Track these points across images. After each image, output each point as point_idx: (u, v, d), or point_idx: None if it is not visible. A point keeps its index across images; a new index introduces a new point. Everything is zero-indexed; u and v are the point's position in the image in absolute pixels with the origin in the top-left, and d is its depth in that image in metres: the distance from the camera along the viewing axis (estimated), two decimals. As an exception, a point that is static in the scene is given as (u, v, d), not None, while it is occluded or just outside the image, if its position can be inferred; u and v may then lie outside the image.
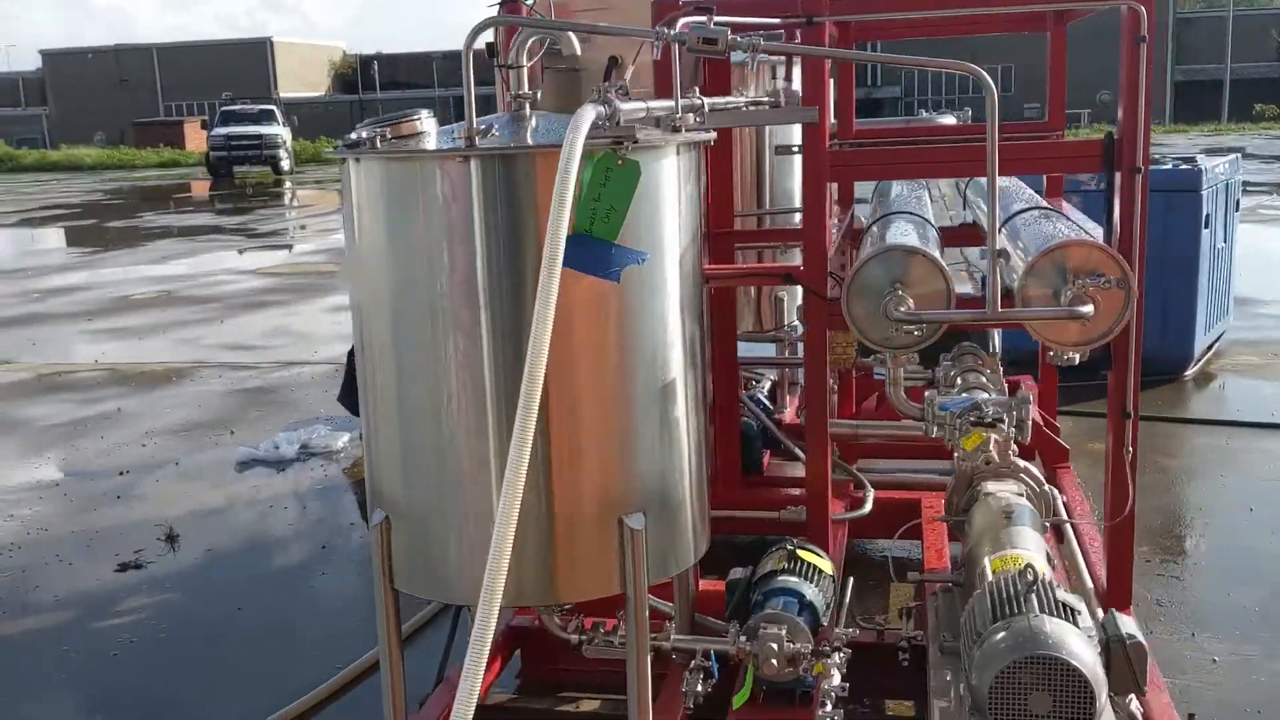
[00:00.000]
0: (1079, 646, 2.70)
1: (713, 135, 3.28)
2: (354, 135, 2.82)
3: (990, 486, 3.78)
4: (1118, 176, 3.52)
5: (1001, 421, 3.01)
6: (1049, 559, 3.47)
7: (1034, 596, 2.84)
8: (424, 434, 2.88)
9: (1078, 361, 3.33)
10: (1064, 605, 2.86)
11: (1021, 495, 3.72)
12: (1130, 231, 3.50)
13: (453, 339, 2.81)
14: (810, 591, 3.42)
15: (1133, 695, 2.85)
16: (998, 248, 3.01)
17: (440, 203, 2.74)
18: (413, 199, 2.77)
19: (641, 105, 2.79)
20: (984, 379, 3.63)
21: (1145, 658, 2.82)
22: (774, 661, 3.15)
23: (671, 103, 2.97)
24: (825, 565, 3.58)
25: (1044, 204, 3.98)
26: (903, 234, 3.37)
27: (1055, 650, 2.69)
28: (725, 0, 3.98)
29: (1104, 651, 2.79)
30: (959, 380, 3.50)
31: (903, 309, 2.94)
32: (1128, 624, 2.90)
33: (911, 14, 4.29)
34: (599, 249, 2.75)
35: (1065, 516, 3.84)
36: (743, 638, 3.23)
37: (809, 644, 3.22)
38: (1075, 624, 2.78)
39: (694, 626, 3.53)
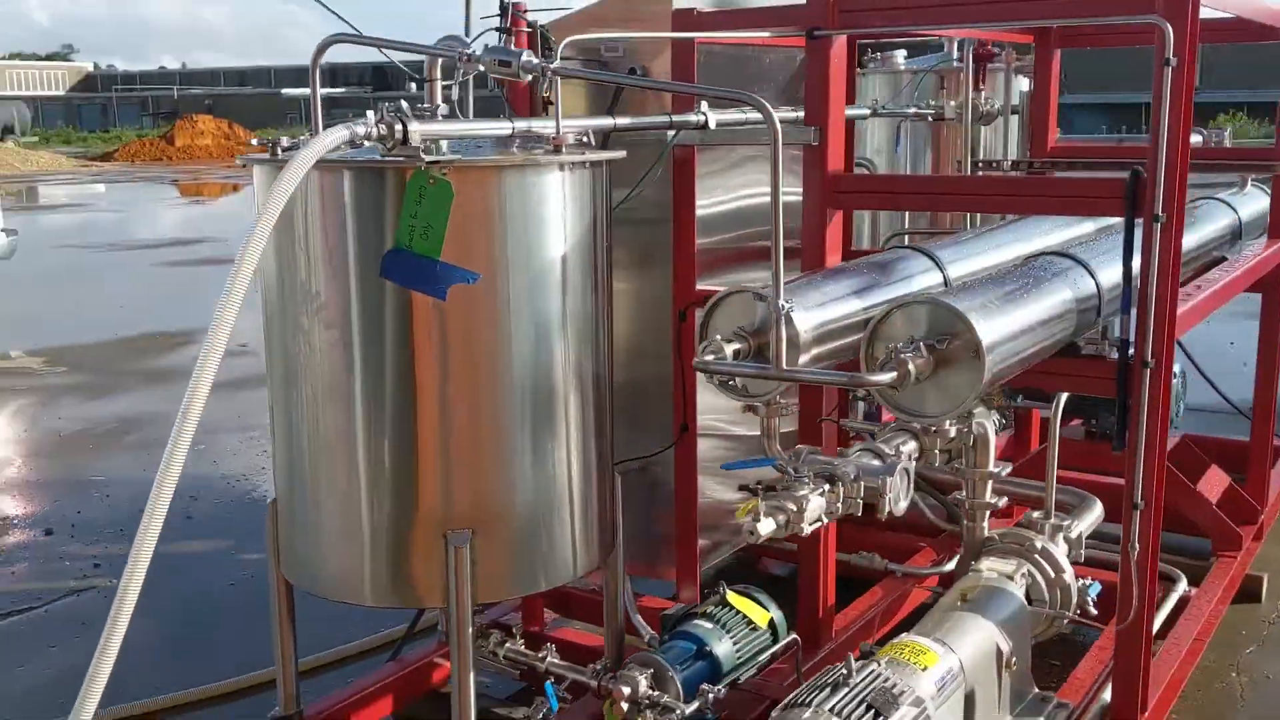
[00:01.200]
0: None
1: (608, 155, 3.10)
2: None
3: (983, 563, 3.37)
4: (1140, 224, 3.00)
5: (817, 490, 2.56)
6: (1006, 657, 3.06)
7: (835, 691, 2.54)
8: (296, 429, 3.01)
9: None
10: (883, 705, 2.55)
11: (1016, 577, 3.29)
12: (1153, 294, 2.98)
13: (309, 343, 2.92)
14: (719, 642, 3.22)
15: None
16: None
17: (294, 210, 2.85)
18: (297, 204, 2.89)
19: (449, 126, 2.74)
20: (897, 442, 3.07)
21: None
22: (623, 705, 3.01)
23: (549, 123, 2.89)
24: (760, 616, 3.35)
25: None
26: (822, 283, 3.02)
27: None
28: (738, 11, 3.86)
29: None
30: (889, 438, 3.08)
31: (709, 356, 2.68)
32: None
33: (921, 27, 3.79)
34: (421, 264, 2.75)
35: (1084, 612, 3.33)
36: (607, 675, 3.12)
37: (677, 697, 3.05)
38: None
39: (621, 653, 3.44)
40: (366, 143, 2.52)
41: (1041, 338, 2.83)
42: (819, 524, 2.61)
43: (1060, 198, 3.22)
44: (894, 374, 2.46)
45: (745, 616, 3.34)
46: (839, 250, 3.52)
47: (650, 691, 3.05)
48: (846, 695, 2.57)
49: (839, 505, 2.64)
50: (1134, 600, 3.22)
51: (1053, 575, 3.37)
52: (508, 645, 3.33)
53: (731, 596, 3.38)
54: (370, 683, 3.66)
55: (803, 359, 2.73)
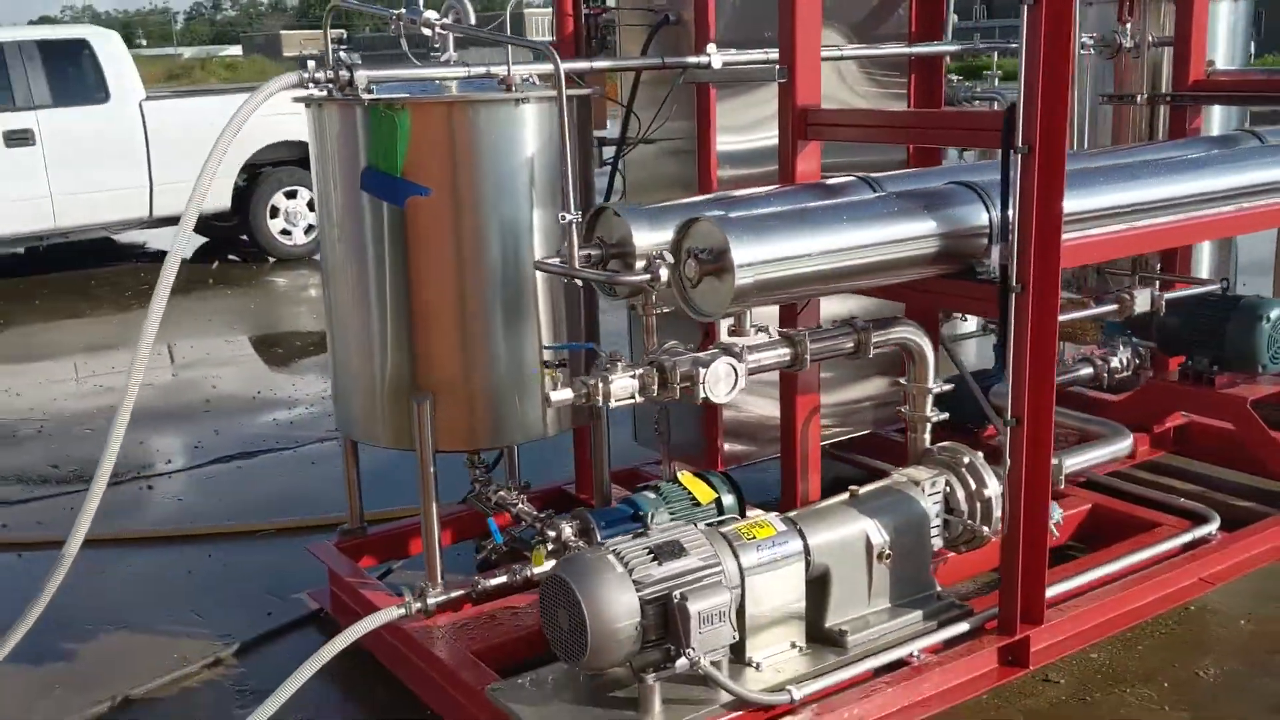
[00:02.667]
0: (600, 583, 2.96)
1: (547, 93, 3.64)
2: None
3: (907, 471, 3.67)
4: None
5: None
6: (878, 549, 3.40)
7: (635, 542, 3.08)
8: (339, 312, 3.92)
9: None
10: (670, 553, 3.05)
11: (925, 485, 3.57)
12: (1016, 222, 3.17)
13: (333, 241, 3.81)
14: (655, 510, 3.76)
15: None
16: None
17: (324, 138, 3.73)
18: (318, 134, 3.78)
19: (401, 71, 3.46)
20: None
21: (689, 619, 2.94)
22: (549, 545, 3.66)
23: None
24: (705, 495, 3.84)
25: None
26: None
27: (568, 575, 2.99)
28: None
29: (651, 602, 2.98)
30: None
31: (552, 259, 3.18)
32: (712, 596, 3.00)
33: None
34: (384, 180, 3.53)
35: (992, 529, 3.54)
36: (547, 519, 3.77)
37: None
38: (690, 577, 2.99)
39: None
40: (313, 86, 3.34)
41: (847, 261, 3.12)
42: (631, 400, 3.14)
43: (949, 129, 3.40)
44: (646, 276, 2.93)
45: (690, 494, 3.85)
46: (814, 179, 3.87)
47: (572, 539, 3.68)
48: (637, 542, 3.10)
49: (655, 388, 3.15)
50: (1007, 514, 3.41)
51: (974, 488, 3.59)
52: (500, 493, 4.07)
53: (683, 476, 3.90)
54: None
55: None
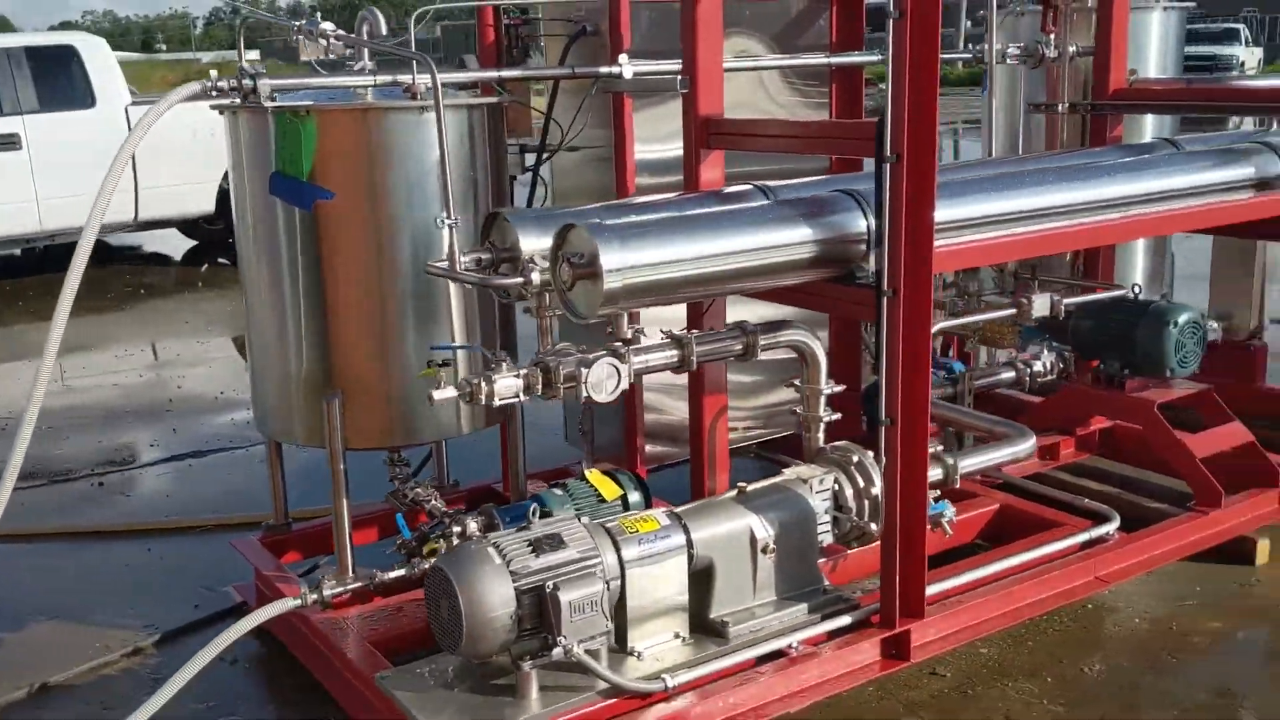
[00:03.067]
0: (477, 574, 3.09)
1: (471, 101, 3.80)
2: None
3: (798, 469, 3.79)
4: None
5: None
6: (762, 543, 3.51)
7: (516, 535, 3.20)
8: (255, 314, 4.05)
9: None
10: (550, 545, 3.18)
11: (812, 482, 3.68)
12: (887, 229, 3.29)
13: (259, 249, 3.94)
14: (560, 507, 3.87)
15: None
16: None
17: (238, 144, 3.87)
18: (232, 141, 3.92)
19: (310, 80, 3.59)
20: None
21: (560, 608, 3.06)
22: (454, 540, 3.78)
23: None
24: (610, 492, 3.96)
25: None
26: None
27: (447, 566, 3.12)
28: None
29: (527, 592, 3.10)
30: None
31: (439, 263, 3.32)
32: (585, 586, 3.12)
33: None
34: (291, 185, 3.66)
35: (880, 525, 3.66)
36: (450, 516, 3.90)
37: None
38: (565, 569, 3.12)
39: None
40: (215, 95, 3.48)
41: (720, 266, 3.25)
42: (515, 400, 3.26)
43: (829, 139, 3.52)
44: (519, 280, 3.06)
45: (597, 491, 3.98)
46: (718, 186, 3.99)
47: (476, 533, 3.81)
48: (519, 535, 3.22)
49: (540, 388, 3.27)
50: (883, 510, 3.53)
51: (862, 486, 3.71)
52: (417, 490, 4.20)
53: (590, 474, 4.02)
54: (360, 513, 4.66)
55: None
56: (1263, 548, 4.42)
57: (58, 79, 10.92)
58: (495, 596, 3.09)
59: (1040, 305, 4.26)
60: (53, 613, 4.38)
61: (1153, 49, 5.70)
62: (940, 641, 3.68)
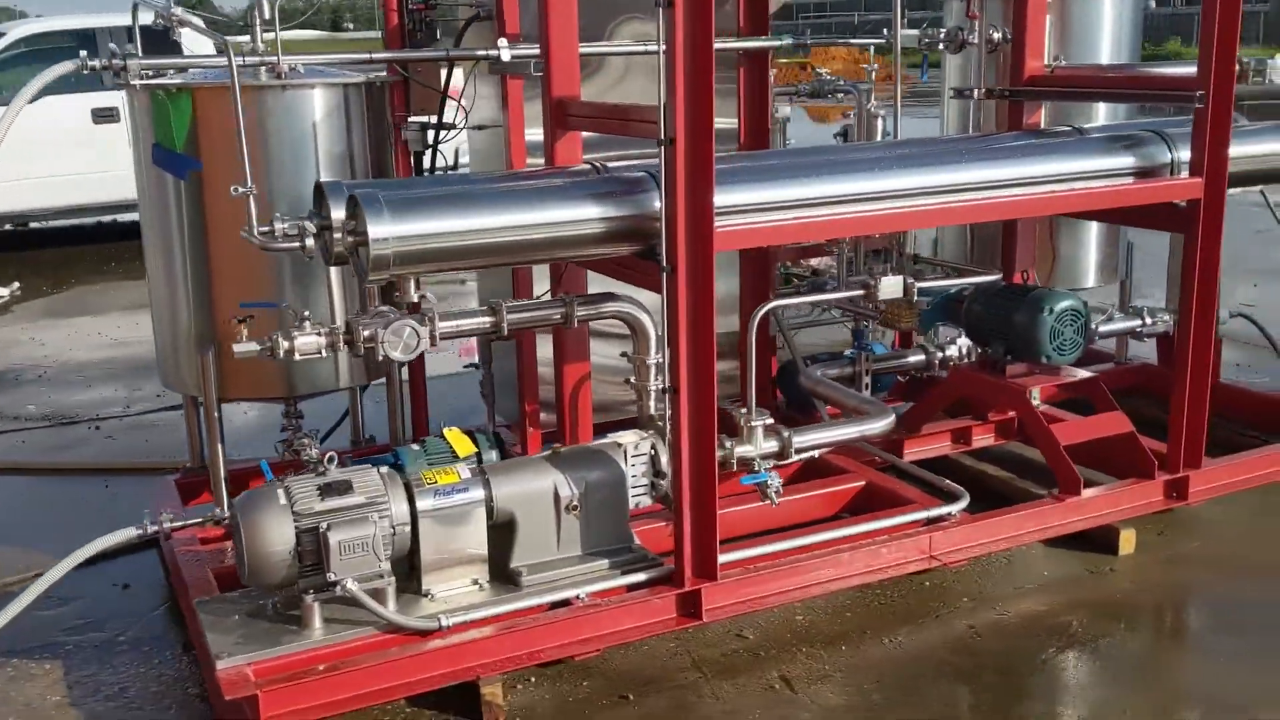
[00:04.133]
0: (261, 514, 3.41)
1: (340, 80, 4.12)
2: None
3: (616, 434, 4.00)
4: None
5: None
6: (566, 501, 3.74)
7: (308, 479, 3.52)
8: (152, 275, 4.46)
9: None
10: (337, 490, 3.48)
11: (628, 446, 3.90)
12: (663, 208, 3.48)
13: (150, 214, 4.35)
14: (413, 461, 4.14)
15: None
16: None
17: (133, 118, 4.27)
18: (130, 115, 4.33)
19: (177, 60, 3.95)
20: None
21: (329, 547, 3.36)
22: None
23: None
24: (465, 449, 4.21)
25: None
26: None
27: (238, 506, 3.46)
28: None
29: (307, 531, 3.42)
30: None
31: (257, 231, 3.62)
32: (357, 529, 3.41)
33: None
34: (167, 155, 4.04)
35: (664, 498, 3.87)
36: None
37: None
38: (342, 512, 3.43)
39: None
40: (85, 72, 3.87)
41: (497, 239, 3.49)
42: (317, 355, 3.57)
43: (642, 123, 3.69)
44: (297, 244, 3.36)
45: (451, 448, 4.25)
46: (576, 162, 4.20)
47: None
48: (311, 480, 3.53)
49: (341, 345, 3.58)
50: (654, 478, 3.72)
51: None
52: (302, 441, 4.54)
53: (448, 432, 4.29)
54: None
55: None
56: (1127, 537, 4.41)
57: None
58: (275, 534, 3.41)
59: (889, 287, 4.35)
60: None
61: (1105, 37, 5.64)
62: (737, 605, 3.85)
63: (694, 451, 3.67)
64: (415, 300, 3.60)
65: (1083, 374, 4.72)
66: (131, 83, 3.93)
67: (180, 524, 4.08)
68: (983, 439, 5.25)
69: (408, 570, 3.69)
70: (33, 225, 12.10)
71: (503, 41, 4.43)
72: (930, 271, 5.01)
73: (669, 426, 3.69)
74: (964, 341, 5.09)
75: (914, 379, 5.36)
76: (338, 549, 3.40)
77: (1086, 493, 4.43)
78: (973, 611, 4.05)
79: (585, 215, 3.59)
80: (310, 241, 3.43)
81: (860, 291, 4.42)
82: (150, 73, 4.09)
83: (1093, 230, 5.81)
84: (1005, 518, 4.34)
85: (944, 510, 4.28)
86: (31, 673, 3.82)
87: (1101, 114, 5.64)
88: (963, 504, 4.34)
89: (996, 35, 5.17)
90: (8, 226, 11.63)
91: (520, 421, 4.88)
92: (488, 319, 3.79)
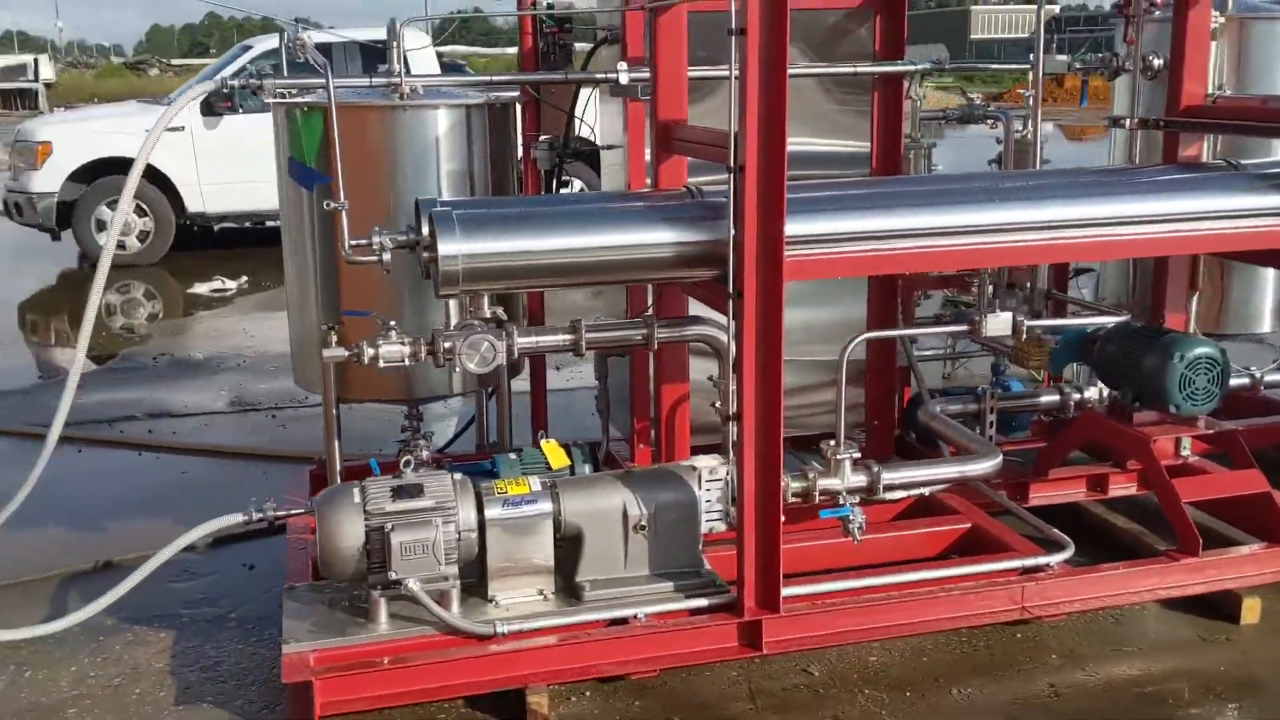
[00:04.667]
0: (335, 511, 3.61)
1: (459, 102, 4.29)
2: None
3: (696, 458, 4.02)
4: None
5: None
6: (634, 521, 3.79)
7: (385, 481, 3.70)
8: (290, 282, 4.76)
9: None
10: (409, 493, 3.65)
11: (710, 473, 3.91)
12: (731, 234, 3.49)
13: (288, 224, 4.65)
14: (509, 469, 4.28)
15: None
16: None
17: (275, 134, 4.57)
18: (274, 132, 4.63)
19: (311, 80, 4.19)
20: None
21: (390, 547, 3.53)
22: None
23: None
24: (559, 461, 4.30)
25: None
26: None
27: (317, 504, 3.67)
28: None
29: (376, 530, 3.59)
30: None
31: (353, 244, 3.77)
32: (419, 531, 3.56)
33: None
34: (300, 168, 4.31)
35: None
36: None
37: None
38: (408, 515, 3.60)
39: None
40: (225, 90, 4.18)
41: (567, 260, 3.56)
42: (402, 363, 3.75)
43: (704, 145, 3.68)
44: (375, 258, 3.52)
45: (546, 460, 4.36)
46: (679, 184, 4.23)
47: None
48: (386, 482, 3.70)
49: (423, 355, 3.74)
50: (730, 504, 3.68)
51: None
52: (419, 441, 4.74)
53: (545, 444, 4.40)
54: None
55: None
56: (1250, 606, 4.08)
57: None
58: (347, 530, 3.60)
59: (996, 325, 4.17)
60: (128, 514, 5.34)
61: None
62: (800, 640, 3.79)
63: (759, 479, 3.65)
64: (488, 315, 3.73)
65: (1221, 425, 4.39)
66: (266, 101, 4.23)
67: (284, 513, 4.34)
68: (1122, 488, 4.95)
69: (478, 576, 3.82)
70: (268, 224, 13.06)
71: (622, 65, 4.51)
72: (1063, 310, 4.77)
73: (732, 453, 3.67)
74: (1100, 387, 4.83)
75: (1056, 419, 5.12)
76: (399, 549, 3.55)
77: (1208, 554, 4.12)
78: (1059, 670, 3.85)
79: (657, 239, 3.63)
80: (387, 256, 3.60)
81: (965, 327, 4.27)
82: (293, 92, 4.39)
83: (1269, 271, 5.40)
84: (1111, 574, 4.09)
85: (1042, 560, 4.08)
86: (147, 639, 4.16)
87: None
88: (1064, 555, 4.12)
89: (1158, 62, 4.89)
90: (246, 224, 12.55)
91: (630, 438, 4.94)
92: (568, 336, 3.88)
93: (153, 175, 11.57)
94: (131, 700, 3.77)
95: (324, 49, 12.41)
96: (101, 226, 11.62)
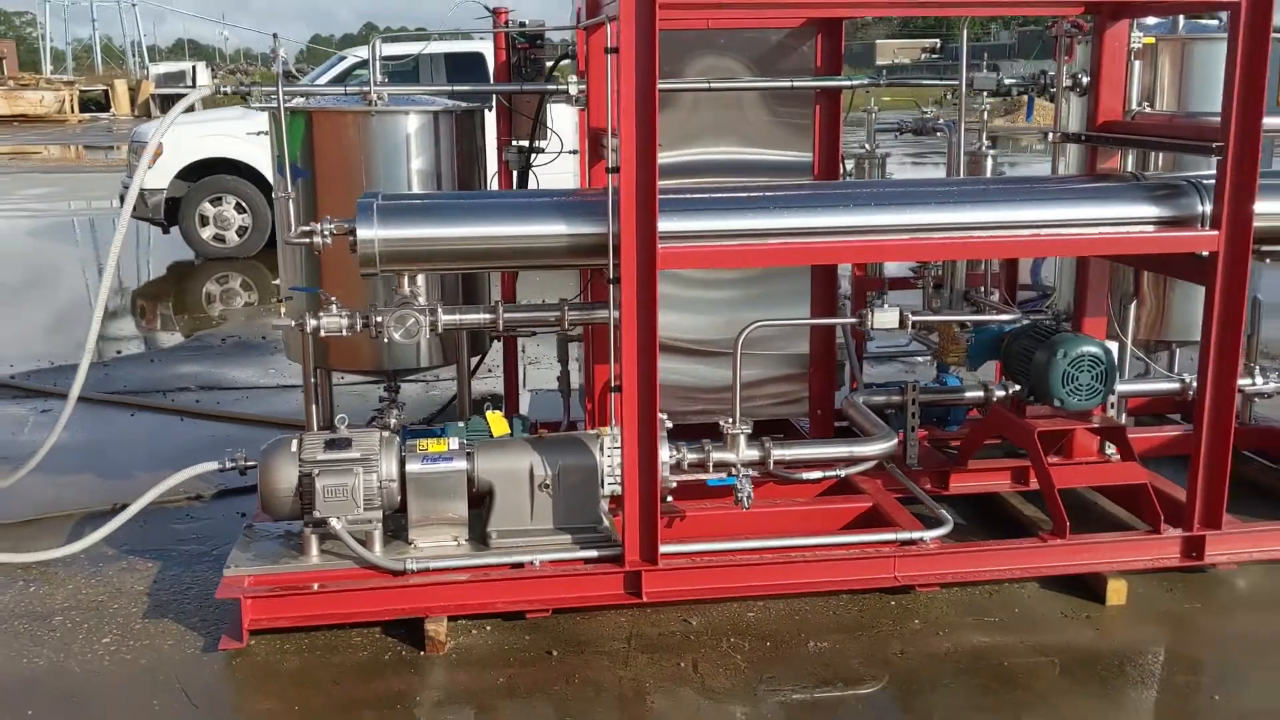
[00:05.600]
0: (274, 459, 4.21)
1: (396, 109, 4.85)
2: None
3: (601, 428, 4.50)
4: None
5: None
6: (539, 480, 4.31)
7: (321, 435, 4.28)
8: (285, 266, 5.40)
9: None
10: (338, 445, 4.22)
11: (612, 441, 4.39)
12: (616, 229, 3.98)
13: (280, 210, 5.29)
14: (454, 432, 4.84)
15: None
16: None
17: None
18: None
19: (295, 88, 4.80)
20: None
21: (314, 490, 4.10)
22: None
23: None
24: (500, 429, 4.84)
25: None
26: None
27: (261, 452, 4.27)
28: None
29: (307, 476, 4.18)
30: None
31: (298, 234, 4.35)
32: (340, 477, 4.13)
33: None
34: (290, 166, 4.94)
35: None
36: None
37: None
38: (333, 464, 4.17)
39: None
40: (219, 96, 4.83)
41: (472, 245, 4.10)
42: (341, 334, 4.33)
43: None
44: (308, 240, 4.10)
45: (489, 428, 4.90)
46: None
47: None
48: (321, 436, 4.28)
49: (359, 327, 4.32)
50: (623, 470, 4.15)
51: (649, 449, 4.34)
52: (394, 412, 5.32)
53: (489, 415, 4.93)
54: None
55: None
56: (1116, 588, 4.38)
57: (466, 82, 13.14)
58: (282, 475, 4.20)
59: (883, 319, 4.54)
60: (157, 466, 6.03)
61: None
62: (678, 592, 4.25)
63: (640, 444, 4.12)
64: (408, 293, 4.28)
65: (1112, 421, 4.69)
66: (252, 106, 4.87)
67: (249, 464, 4.96)
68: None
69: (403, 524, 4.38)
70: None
71: (573, 78, 5.04)
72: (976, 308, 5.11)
73: (615, 422, 4.16)
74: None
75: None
76: (323, 492, 4.13)
77: (1076, 538, 4.43)
78: (915, 634, 4.21)
79: (552, 231, 4.15)
80: (318, 240, 4.19)
81: (853, 320, 4.66)
82: (290, 98, 5.03)
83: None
84: (982, 551, 4.45)
85: (917, 535, 4.45)
86: (137, 567, 4.83)
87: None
88: (940, 531, 4.48)
89: (1086, 80, 5.19)
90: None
91: (586, 418, 5.45)
92: (488, 315, 4.42)
93: (251, 174, 12.58)
94: (109, 612, 4.43)
95: (411, 60, 13.23)
96: (204, 221, 12.63)
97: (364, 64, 12.98)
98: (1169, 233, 4.37)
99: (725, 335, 5.29)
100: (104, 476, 5.92)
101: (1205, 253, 4.31)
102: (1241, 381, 5.41)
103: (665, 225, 3.98)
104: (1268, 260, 4.92)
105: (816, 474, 4.82)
